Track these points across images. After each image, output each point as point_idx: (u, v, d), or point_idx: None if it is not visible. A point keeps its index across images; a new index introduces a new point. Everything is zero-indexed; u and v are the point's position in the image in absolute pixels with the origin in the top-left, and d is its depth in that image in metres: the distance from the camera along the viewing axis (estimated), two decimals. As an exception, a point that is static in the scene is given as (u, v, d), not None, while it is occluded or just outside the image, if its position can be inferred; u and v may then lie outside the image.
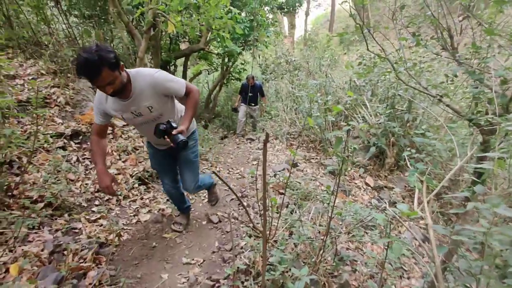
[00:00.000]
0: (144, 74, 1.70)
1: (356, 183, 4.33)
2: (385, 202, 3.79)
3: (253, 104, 6.94)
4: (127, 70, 1.68)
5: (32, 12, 4.69)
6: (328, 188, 2.95)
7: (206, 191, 3.16)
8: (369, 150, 4.41)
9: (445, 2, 2.47)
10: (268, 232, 1.82)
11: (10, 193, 2.17)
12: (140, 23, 5.85)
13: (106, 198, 2.81)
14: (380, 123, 4.38)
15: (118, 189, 2.94)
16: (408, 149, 1.93)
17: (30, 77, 3.53)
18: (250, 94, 6.62)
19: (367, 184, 4.35)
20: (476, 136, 2.09)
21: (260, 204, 3.21)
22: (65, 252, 1.90)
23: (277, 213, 3.17)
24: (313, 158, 4.77)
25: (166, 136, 1.74)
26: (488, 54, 2.33)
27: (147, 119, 1.83)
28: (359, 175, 4.47)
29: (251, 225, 2.69)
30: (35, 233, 2.01)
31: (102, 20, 5.88)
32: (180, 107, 2.10)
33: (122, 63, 1.57)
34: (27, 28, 4.46)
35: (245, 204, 3.36)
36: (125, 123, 3.89)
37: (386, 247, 1.61)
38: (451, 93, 4.12)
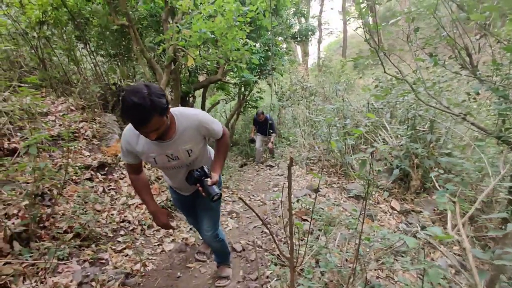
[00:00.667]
0: (188, 115, 1.57)
1: (381, 208, 4.19)
2: (417, 226, 3.64)
3: (265, 135, 7.14)
4: (170, 109, 1.52)
5: (63, 54, 5.07)
6: (354, 211, 2.88)
7: (216, 260, 2.41)
8: (392, 173, 4.30)
9: (459, 22, 2.49)
10: (295, 260, 1.77)
11: (42, 224, 2.24)
12: (161, 59, 6.17)
13: (131, 228, 2.85)
14: (401, 145, 4.29)
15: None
16: (435, 169, 1.88)
17: (61, 113, 3.75)
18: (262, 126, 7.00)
19: (392, 208, 4.20)
20: (507, 153, 2.02)
21: (283, 231, 3.15)
22: (93, 283, 1.91)
23: (302, 240, 3.10)
24: (334, 183, 4.68)
25: (198, 184, 1.62)
26: (510, 71, 2.30)
27: (181, 164, 1.67)
28: (384, 199, 4.34)
29: (276, 253, 2.63)
30: (64, 264, 2.05)
31: (126, 58, 6.25)
32: (210, 150, 1.96)
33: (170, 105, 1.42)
34: (58, 69, 4.80)
35: (266, 231, 3.30)
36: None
37: (421, 276, 1.53)
38: (474, 111, 4.03)
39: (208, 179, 1.62)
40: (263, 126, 6.83)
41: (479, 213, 3.46)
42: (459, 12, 2.49)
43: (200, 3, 4.35)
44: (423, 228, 3.62)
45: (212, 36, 3.99)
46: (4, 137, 2.94)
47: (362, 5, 2.46)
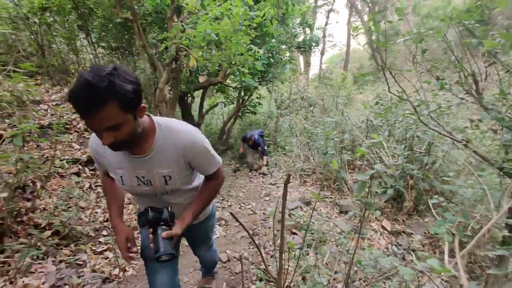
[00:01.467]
0: (176, 130, 1.16)
1: (372, 226, 4.13)
2: (406, 249, 3.58)
3: (255, 148, 7.00)
4: (153, 117, 1.17)
5: (64, 43, 4.97)
6: (348, 233, 2.80)
7: (202, 270, 2.27)
8: (386, 192, 4.25)
9: (469, 47, 2.46)
10: (283, 279, 1.69)
11: (19, 219, 2.13)
12: (163, 56, 6.09)
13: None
14: (397, 165, 4.25)
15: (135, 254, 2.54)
16: (436, 196, 1.82)
17: (54, 103, 3.64)
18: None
19: (383, 227, 4.14)
20: (509, 186, 1.97)
21: (272, 243, 3.06)
22: (66, 287, 1.80)
23: (293, 257, 3.02)
24: (327, 197, 4.62)
25: (150, 229, 1.15)
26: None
27: (155, 192, 1.25)
28: (375, 218, 4.28)
29: (263, 267, 2.54)
30: (39, 263, 1.94)
31: (127, 52, 6.16)
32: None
33: (144, 105, 1.03)
34: (57, 57, 4.70)
35: (257, 242, 3.21)
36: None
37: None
38: (477, 138, 4.02)
39: (167, 228, 1.14)
40: (252, 145, 6.76)
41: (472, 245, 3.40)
42: (469, 37, 2.47)
43: (207, 4, 4.29)
44: (412, 250, 3.57)
45: (217, 38, 3.92)
46: (-9, 122, 2.83)
47: (372, 22, 2.42)
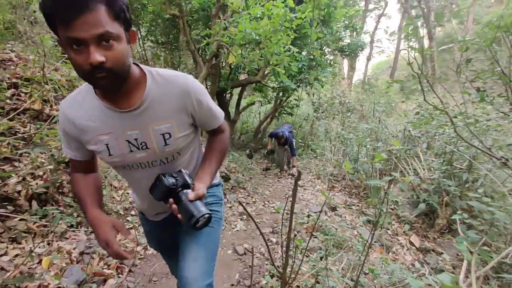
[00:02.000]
0: (172, 75, 0.98)
1: (398, 240, 3.96)
2: (426, 268, 3.40)
3: (284, 145, 6.59)
4: (142, 66, 0.99)
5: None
6: (362, 239, 2.74)
7: None
8: (417, 206, 4.06)
9: (518, 59, 2.29)
10: (288, 275, 1.72)
11: (61, 190, 2.37)
12: (205, 52, 6.33)
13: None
14: (433, 179, 4.03)
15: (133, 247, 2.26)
16: (459, 212, 1.73)
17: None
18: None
19: (411, 243, 3.96)
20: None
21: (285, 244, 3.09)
22: (94, 255, 1.98)
23: (307, 256, 3.02)
24: (354, 205, 4.51)
25: (171, 199, 0.96)
26: None
27: (152, 159, 1.01)
28: (404, 232, 4.10)
29: (277, 264, 2.57)
30: (73, 231, 2.15)
31: (174, 47, 6.49)
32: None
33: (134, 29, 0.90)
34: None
35: (274, 240, 3.25)
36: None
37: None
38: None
39: (189, 190, 0.96)
40: (282, 144, 6.44)
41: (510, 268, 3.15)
42: (519, 48, 2.29)
43: (251, 5, 4.40)
44: (440, 271, 3.37)
45: (256, 37, 4.01)
46: (47, 103, 3.16)
47: (411, 27, 2.34)
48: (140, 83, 0.94)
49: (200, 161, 1.17)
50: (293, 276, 1.77)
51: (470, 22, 15.90)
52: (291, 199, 4.25)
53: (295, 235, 3.36)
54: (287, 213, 4.09)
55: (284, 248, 1.70)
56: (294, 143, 6.29)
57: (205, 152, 1.17)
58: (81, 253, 1.97)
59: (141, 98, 0.93)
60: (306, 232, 3.51)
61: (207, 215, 0.93)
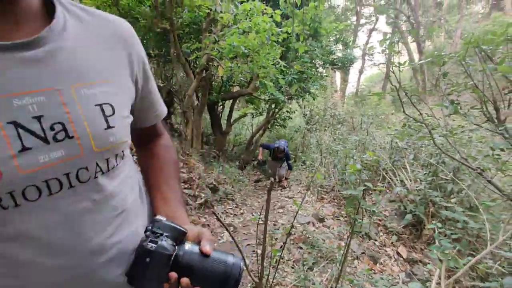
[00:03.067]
0: (101, 12, 0.61)
1: (386, 251, 3.98)
2: (419, 280, 3.41)
3: (278, 160, 6.39)
4: None
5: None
6: (340, 249, 2.76)
7: None
8: (405, 217, 4.09)
9: (491, 72, 2.37)
10: (264, 285, 1.73)
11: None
12: (196, 65, 6.42)
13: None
14: (419, 190, 4.08)
15: None
16: (433, 221, 1.77)
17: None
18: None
19: (399, 254, 3.97)
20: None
21: (258, 256, 3.09)
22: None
23: (292, 267, 3.02)
24: (342, 216, 4.53)
25: (175, 274, 0.55)
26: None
27: (76, 167, 0.49)
28: (391, 243, 4.11)
29: (251, 273, 2.58)
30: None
31: (166, 60, 6.57)
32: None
33: None
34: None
35: (259, 252, 3.25)
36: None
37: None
38: (503, 167, 3.76)
39: (189, 244, 0.58)
40: (278, 158, 6.22)
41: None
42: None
43: (240, 19, 4.51)
44: (425, 281, 3.38)
45: (245, 51, 4.10)
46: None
47: (387, 42, 2.43)
48: (44, 12, 0.51)
49: (139, 181, 0.70)
50: (269, 286, 1.78)
51: (457, 37, 16.34)
52: (280, 211, 4.28)
53: (281, 246, 3.36)
54: (274, 224, 4.10)
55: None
56: (290, 157, 6.37)
57: (154, 173, 0.73)
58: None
59: (43, 27, 0.48)
60: (293, 244, 3.51)
61: (241, 264, 0.60)
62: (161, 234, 0.55)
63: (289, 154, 6.22)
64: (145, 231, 0.56)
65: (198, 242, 0.59)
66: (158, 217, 0.57)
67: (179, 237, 0.58)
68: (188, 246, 0.58)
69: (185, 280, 0.54)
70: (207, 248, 0.56)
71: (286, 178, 6.33)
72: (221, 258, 0.58)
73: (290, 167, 6.31)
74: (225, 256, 0.59)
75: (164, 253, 0.53)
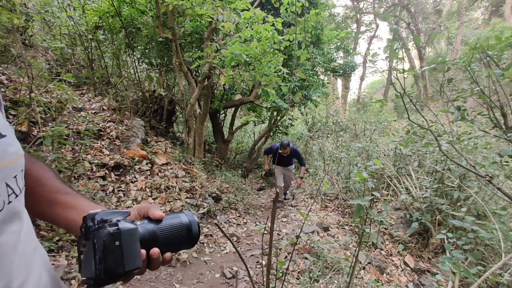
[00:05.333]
0: None
1: (393, 261, 3.90)
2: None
3: (288, 167, 5.49)
4: None
5: (111, 58, 5.48)
6: (347, 260, 2.70)
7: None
8: (411, 225, 4.01)
9: (497, 78, 2.34)
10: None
11: (43, 213, 2.32)
12: (198, 73, 6.44)
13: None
14: (425, 197, 4.02)
15: None
16: (443, 231, 1.71)
17: (93, 111, 3.98)
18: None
19: (406, 263, 3.88)
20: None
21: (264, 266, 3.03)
22: (73, 282, 1.92)
23: (298, 278, 2.94)
24: (347, 224, 4.45)
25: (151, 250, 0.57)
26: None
27: None
28: (398, 252, 4.03)
29: (256, 286, 2.51)
30: (53, 256, 2.09)
31: (169, 69, 6.59)
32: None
33: None
34: (103, 71, 5.17)
35: (264, 262, 3.18)
36: (164, 161, 4.09)
37: None
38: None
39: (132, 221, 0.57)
40: (286, 158, 5.29)
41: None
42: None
43: (242, 28, 4.52)
44: (434, 293, 3.29)
45: (247, 59, 4.09)
46: (36, 125, 3.16)
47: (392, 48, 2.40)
48: None
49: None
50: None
51: (458, 43, 16.37)
52: (284, 219, 4.21)
53: (286, 257, 3.30)
54: (278, 234, 4.02)
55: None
56: (300, 154, 5.44)
57: (41, 187, 0.63)
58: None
59: None
60: (298, 254, 3.44)
61: (195, 217, 0.66)
62: (109, 220, 0.52)
63: (297, 150, 5.35)
64: (87, 227, 0.52)
65: (146, 217, 0.60)
66: (91, 211, 0.54)
67: (125, 218, 0.56)
68: (139, 222, 0.59)
69: (155, 250, 0.56)
70: (158, 214, 0.59)
71: (300, 177, 5.39)
72: (177, 221, 0.62)
73: (302, 163, 5.35)
74: (179, 217, 0.63)
75: (130, 229, 0.53)
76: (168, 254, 0.59)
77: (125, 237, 0.51)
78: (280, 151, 5.04)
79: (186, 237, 0.62)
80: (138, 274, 0.55)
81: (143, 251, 0.54)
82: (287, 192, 5.87)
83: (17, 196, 0.46)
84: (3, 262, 0.41)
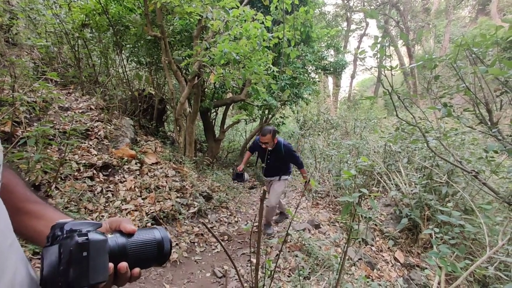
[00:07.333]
0: None
1: (383, 256, 3.94)
2: (417, 285, 3.37)
3: (272, 177, 3.83)
4: None
5: (97, 56, 5.38)
6: (336, 257, 2.71)
7: None
8: (400, 221, 4.06)
9: (482, 75, 2.37)
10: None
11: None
12: (188, 72, 6.38)
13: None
14: (414, 193, 4.06)
15: None
16: (431, 227, 1.73)
17: (80, 111, 3.91)
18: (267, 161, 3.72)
19: (396, 259, 3.93)
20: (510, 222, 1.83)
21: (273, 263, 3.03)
22: (59, 283, 1.89)
23: (289, 276, 2.95)
24: (338, 221, 4.48)
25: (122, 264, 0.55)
26: (532, 133, 2.13)
27: None
28: (388, 248, 4.07)
29: (246, 285, 2.51)
30: (38, 258, 2.05)
31: (159, 67, 6.52)
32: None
33: None
34: (91, 69, 5.08)
35: (254, 261, 3.17)
36: (154, 161, 4.05)
37: None
38: (497, 170, 3.77)
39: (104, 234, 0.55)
40: (273, 159, 3.68)
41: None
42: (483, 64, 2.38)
43: (231, 26, 4.49)
44: (424, 287, 3.34)
45: (236, 57, 4.07)
46: (20, 125, 3.09)
47: (378, 46, 2.41)
48: None
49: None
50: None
51: (446, 41, 16.60)
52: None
53: (277, 255, 3.30)
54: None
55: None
56: (294, 153, 3.74)
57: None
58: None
59: None
60: (289, 251, 3.45)
61: (168, 234, 0.64)
62: (79, 230, 0.50)
63: (291, 147, 3.69)
64: (55, 235, 0.50)
65: (117, 231, 0.58)
66: (60, 221, 0.52)
67: (96, 229, 0.53)
68: (110, 235, 0.56)
69: (123, 264, 0.54)
70: (130, 227, 0.58)
71: (306, 181, 3.61)
72: (149, 236, 0.60)
73: (299, 165, 3.77)
74: (151, 233, 0.61)
75: (100, 240, 0.50)
76: (136, 270, 0.57)
77: (93, 248, 0.49)
78: (260, 142, 3.57)
79: (157, 253, 0.60)
80: None
81: (111, 265, 0.52)
82: (272, 221, 4.03)
83: None
84: None
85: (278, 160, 3.69)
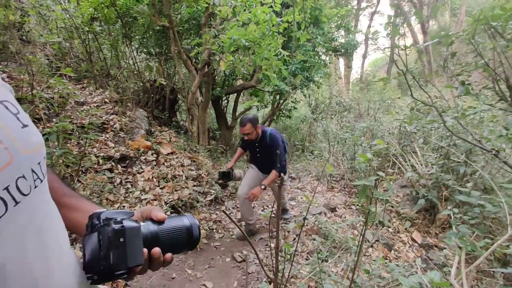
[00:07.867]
0: None
1: (400, 237, 3.94)
2: (435, 265, 3.37)
3: (268, 174, 3.21)
4: None
5: (109, 49, 5.44)
6: (353, 239, 2.73)
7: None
8: (417, 202, 4.04)
9: (502, 50, 2.28)
10: (280, 280, 1.71)
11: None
12: (198, 61, 6.37)
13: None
14: (431, 174, 4.01)
15: None
16: (450, 207, 1.72)
17: (95, 105, 3.99)
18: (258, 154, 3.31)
19: (413, 240, 3.93)
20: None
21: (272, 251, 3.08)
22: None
23: (307, 259, 3.01)
24: (354, 204, 4.49)
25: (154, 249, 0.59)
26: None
27: (15, 175, 0.43)
28: (405, 229, 4.07)
29: (266, 268, 2.57)
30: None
31: (168, 57, 6.54)
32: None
33: None
34: (102, 63, 5.15)
35: (272, 245, 3.24)
36: (170, 151, 4.12)
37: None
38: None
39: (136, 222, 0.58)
40: (262, 153, 3.23)
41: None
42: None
43: (239, 11, 4.43)
44: (442, 266, 3.34)
45: (246, 43, 4.03)
46: (40, 121, 3.19)
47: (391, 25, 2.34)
48: None
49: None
50: (285, 280, 1.77)
51: (462, 14, 15.90)
52: (292, 203, 4.22)
53: (294, 239, 3.36)
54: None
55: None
56: (283, 153, 3.27)
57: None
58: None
59: None
60: (306, 235, 3.50)
61: (197, 221, 0.67)
62: (114, 218, 0.54)
63: (277, 138, 3.13)
64: (93, 224, 0.54)
65: (149, 219, 0.62)
66: (96, 210, 0.57)
67: (129, 218, 0.58)
68: (142, 223, 0.60)
69: (156, 250, 0.58)
70: (160, 215, 0.61)
71: (262, 185, 3.14)
72: (179, 223, 0.64)
73: (281, 169, 3.17)
74: (181, 220, 0.65)
75: (134, 227, 0.55)
76: (168, 255, 0.60)
77: (129, 234, 0.53)
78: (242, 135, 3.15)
79: (187, 239, 0.64)
80: (140, 274, 0.57)
81: (145, 250, 0.56)
82: (251, 220, 3.42)
83: (41, 181, 0.49)
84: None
85: (267, 153, 3.12)
